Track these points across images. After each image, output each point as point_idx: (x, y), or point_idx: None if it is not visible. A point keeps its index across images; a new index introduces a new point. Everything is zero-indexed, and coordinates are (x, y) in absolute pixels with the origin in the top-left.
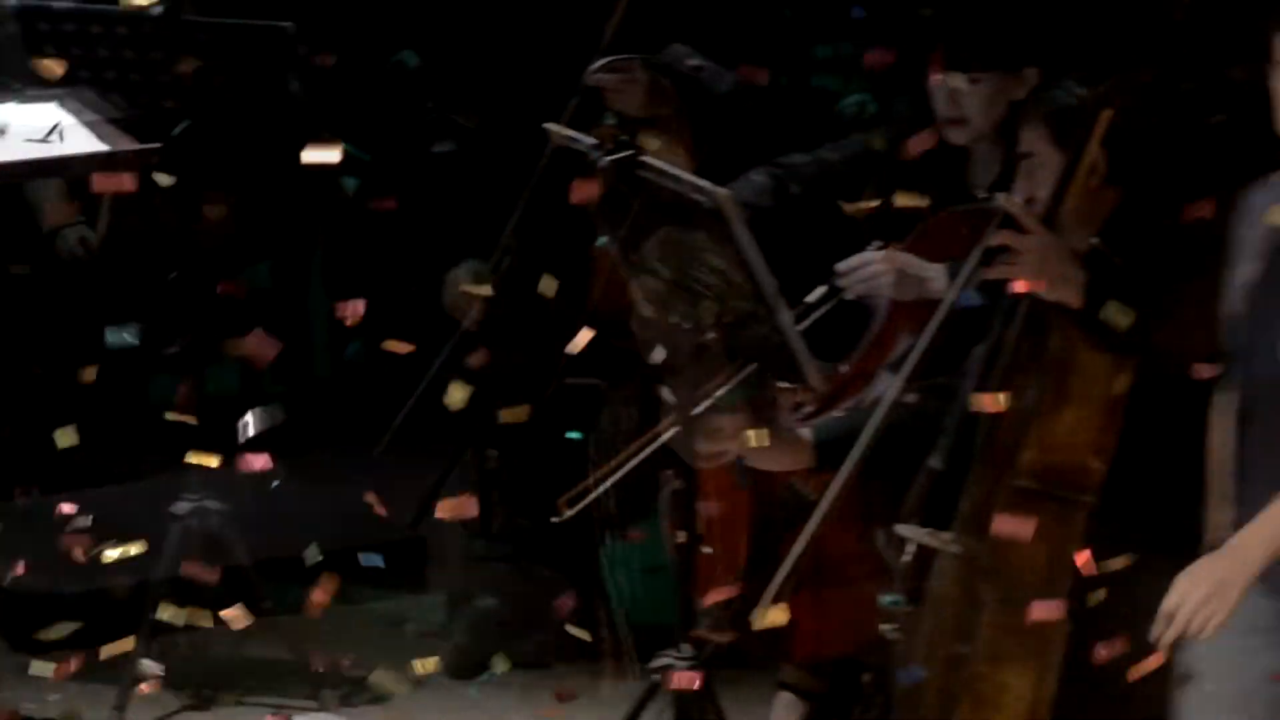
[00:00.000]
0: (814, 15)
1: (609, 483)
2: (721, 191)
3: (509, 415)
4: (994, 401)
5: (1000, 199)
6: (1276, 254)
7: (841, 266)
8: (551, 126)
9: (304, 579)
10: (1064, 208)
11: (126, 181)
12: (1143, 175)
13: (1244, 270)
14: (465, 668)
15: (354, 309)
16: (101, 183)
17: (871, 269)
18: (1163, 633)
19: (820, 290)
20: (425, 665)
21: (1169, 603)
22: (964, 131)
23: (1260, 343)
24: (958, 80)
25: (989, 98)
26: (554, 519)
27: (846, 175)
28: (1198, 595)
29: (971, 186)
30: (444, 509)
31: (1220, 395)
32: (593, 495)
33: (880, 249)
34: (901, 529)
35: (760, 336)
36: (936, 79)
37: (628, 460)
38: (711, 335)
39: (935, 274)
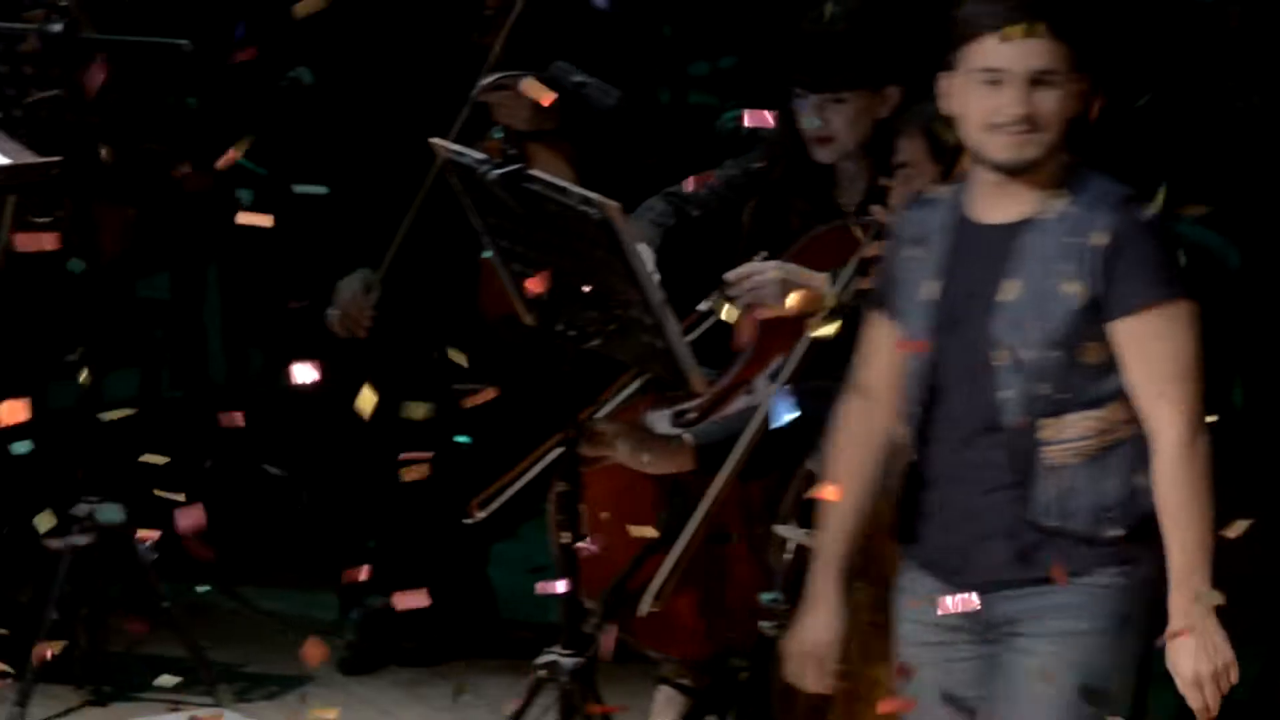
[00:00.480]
0: (692, 34)
1: (519, 485)
2: (610, 203)
3: (410, 474)
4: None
5: (876, 212)
6: (960, 271)
7: (730, 276)
8: (436, 142)
9: (201, 578)
10: None
11: (47, 241)
12: None
13: (926, 288)
14: (357, 664)
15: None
16: (24, 243)
17: (758, 279)
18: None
19: (711, 299)
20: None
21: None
22: (830, 150)
23: (958, 362)
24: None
25: (853, 116)
26: (466, 520)
27: (731, 197)
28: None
29: (839, 204)
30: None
31: (850, 406)
32: (505, 497)
33: (765, 259)
34: (780, 529)
35: (645, 344)
36: (801, 99)
37: (535, 463)
38: (595, 343)
39: (818, 283)
